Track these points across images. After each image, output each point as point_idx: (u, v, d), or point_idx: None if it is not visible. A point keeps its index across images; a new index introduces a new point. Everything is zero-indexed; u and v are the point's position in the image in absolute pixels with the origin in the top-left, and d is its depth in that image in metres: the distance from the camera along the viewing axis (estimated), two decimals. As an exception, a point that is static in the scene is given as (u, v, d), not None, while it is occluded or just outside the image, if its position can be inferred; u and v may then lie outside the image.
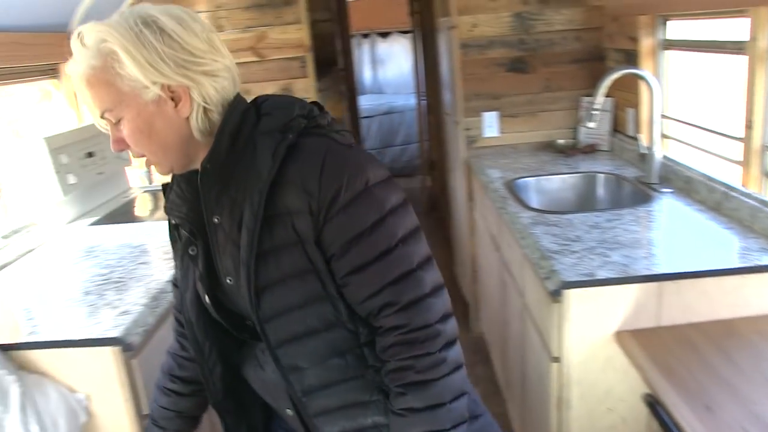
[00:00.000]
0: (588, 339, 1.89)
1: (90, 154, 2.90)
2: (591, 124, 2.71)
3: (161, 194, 3.10)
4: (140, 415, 1.82)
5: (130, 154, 1.22)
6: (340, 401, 1.27)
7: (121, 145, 1.19)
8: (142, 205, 3.17)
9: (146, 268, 2.22)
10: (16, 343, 1.77)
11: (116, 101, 1.13)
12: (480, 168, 3.30)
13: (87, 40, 1.12)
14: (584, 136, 3.48)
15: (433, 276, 1.20)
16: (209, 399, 1.43)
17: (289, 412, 1.34)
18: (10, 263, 2.39)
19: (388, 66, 9.23)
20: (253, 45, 3.55)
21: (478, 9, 3.50)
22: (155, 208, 3.16)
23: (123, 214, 2.94)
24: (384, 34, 9.15)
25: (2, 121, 2.84)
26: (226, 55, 1.22)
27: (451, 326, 1.21)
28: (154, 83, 1.12)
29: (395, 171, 7.63)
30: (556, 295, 1.87)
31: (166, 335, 1.96)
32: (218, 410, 1.43)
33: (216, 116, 1.19)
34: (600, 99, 2.67)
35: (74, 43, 1.14)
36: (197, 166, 1.23)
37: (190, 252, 1.29)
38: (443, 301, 1.20)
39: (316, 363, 1.24)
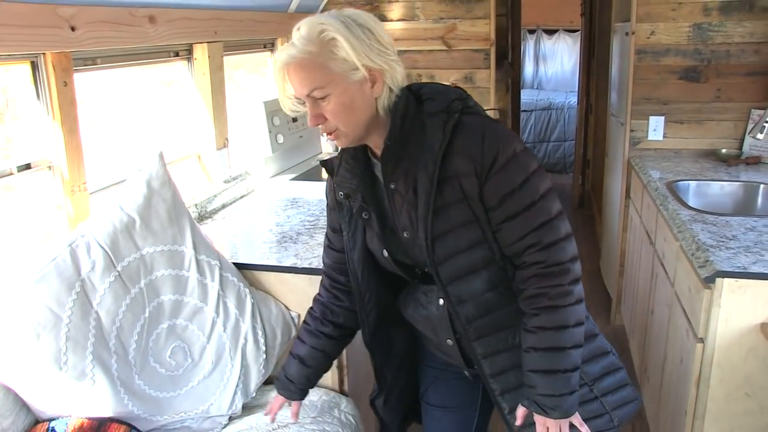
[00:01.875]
0: (734, 326, 2.08)
1: (294, 120, 3.35)
2: (760, 136, 2.84)
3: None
4: (337, 337, 2.20)
5: (320, 128, 1.47)
6: (494, 327, 1.57)
7: (320, 119, 1.44)
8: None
9: (344, 220, 2.62)
10: (251, 264, 2.21)
11: (327, 80, 1.39)
12: (642, 168, 3.47)
13: (306, 31, 1.39)
14: (749, 148, 3.57)
15: (566, 225, 1.50)
16: (364, 338, 1.73)
17: (449, 342, 1.63)
18: (229, 204, 2.87)
19: (549, 63, 9.35)
20: (443, 35, 3.89)
21: (659, 17, 3.66)
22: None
23: (316, 174, 3.37)
24: (550, 32, 9.27)
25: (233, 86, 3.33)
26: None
27: (578, 267, 1.50)
28: (363, 66, 1.40)
29: (548, 167, 7.79)
30: (709, 282, 2.08)
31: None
32: (369, 348, 1.75)
33: (395, 98, 1.47)
34: (772, 112, 2.79)
35: (295, 33, 1.41)
36: (367, 141, 1.51)
37: (363, 216, 1.58)
38: (573, 246, 1.50)
39: (476, 296, 1.53)
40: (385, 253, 1.59)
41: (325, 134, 1.48)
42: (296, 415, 1.91)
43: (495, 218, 1.48)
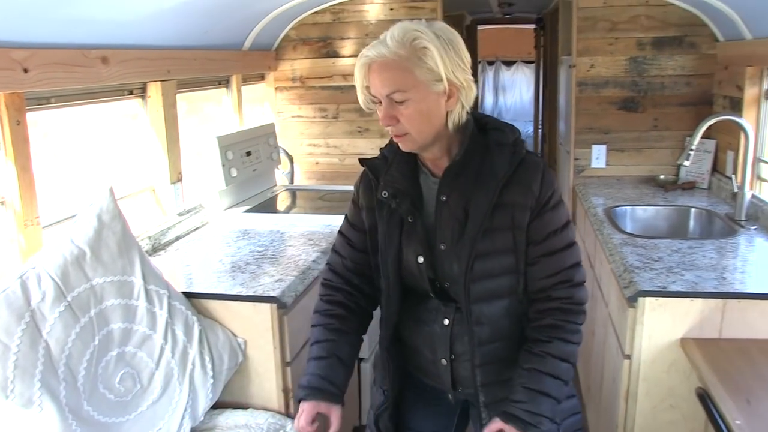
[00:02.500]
0: (656, 342, 2.22)
1: (248, 153, 3.47)
2: (687, 162, 3.01)
3: (300, 192, 3.66)
4: (284, 362, 2.30)
5: (390, 129, 1.54)
6: (497, 356, 1.65)
7: (392, 121, 1.51)
8: (285, 201, 3.71)
9: (294, 249, 2.73)
10: (199, 293, 2.31)
11: (410, 85, 1.47)
12: (585, 195, 3.64)
13: (400, 34, 1.47)
14: (685, 174, 3.75)
15: (584, 272, 1.67)
16: (383, 342, 1.73)
17: (444, 361, 1.69)
18: (183, 235, 2.96)
19: (509, 93, 9.61)
20: (391, 70, 4.03)
21: (598, 51, 3.86)
22: (293, 204, 3.69)
23: (270, 206, 3.49)
24: (509, 63, 9.53)
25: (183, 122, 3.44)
26: None
27: (586, 313, 1.67)
28: (446, 79, 1.49)
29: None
30: (632, 301, 2.22)
31: (309, 302, 2.45)
32: (390, 353, 1.74)
33: (465, 117, 1.58)
34: (696, 141, 2.96)
35: (387, 34, 1.48)
36: (426, 150, 1.59)
37: (409, 219, 1.62)
38: (588, 292, 1.68)
39: (494, 321, 1.63)
40: (421, 259, 1.63)
41: (392, 135, 1.56)
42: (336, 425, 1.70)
43: (535, 252, 1.61)
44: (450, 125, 1.57)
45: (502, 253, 1.59)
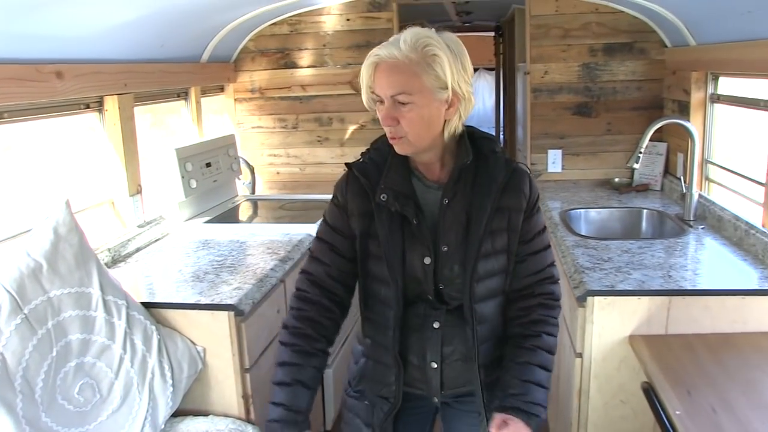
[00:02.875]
0: (606, 340, 2.29)
1: (208, 164, 3.49)
2: (636, 165, 3.10)
3: (261, 202, 3.69)
4: (243, 369, 2.33)
5: (387, 129, 1.57)
6: (494, 352, 1.73)
7: (392, 122, 1.54)
8: (246, 211, 3.73)
9: (253, 258, 2.76)
10: (157, 302, 2.33)
11: (416, 89, 1.50)
12: (542, 199, 3.69)
13: (413, 39, 1.49)
14: (639, 176, 3.86)
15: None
16: (391, 344, 1.68)
17: (434, 365, 1.70)
18: (143, 247, 2.97)
19: (472, 100, 9.71)
20: (351, 80, 4.10)
21: (551, 58, 3.95)
22: (254, 213, 3.72)
23: (230, 216, 3.50)
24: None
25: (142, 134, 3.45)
26: None
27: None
28: (451, 88, 1.53)
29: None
30: (581, 301, 2.29)
31: (267, 309, 2.49)
32: (400, 356, 1.70)
33: (461, 127, 1.63)
34: (644, 144, 3.06)
35: (402, 38, 1.51)
36: (420, 155, 1.63)
37: (414, 222, 1.62)
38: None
39: (491, 319, 1.71)
40: (428, 260, 1.64)
41: (388, 136, 1.59)
42: None
43: (524, 251, 1.71)
44: (446, 134, 1.61)
45: (500, 254, 1.67)
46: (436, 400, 1.79)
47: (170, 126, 3.77)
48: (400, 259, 1.64)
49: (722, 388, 1.88)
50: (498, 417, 1.61)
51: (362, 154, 1.73)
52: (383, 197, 1.63)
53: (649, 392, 1.96)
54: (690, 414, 1.76)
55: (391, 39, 1.54)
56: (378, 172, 1.66)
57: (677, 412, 1.77)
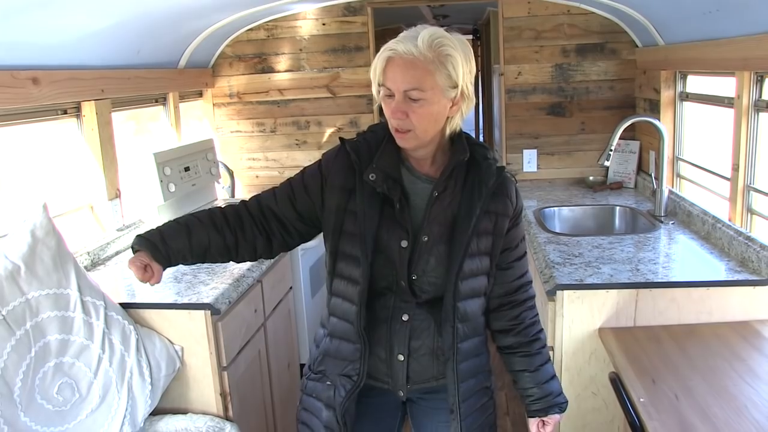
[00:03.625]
0: (576, 333, 2.34)
1: (187, 169, 3.52)
2: (606, 163, 3.17)
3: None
4: (220, 367, 2.37)
5: (395, 122, 1.60)
6: (474, 350, 1.80)
7: (402, 116, 1.57)
8: (226, 214, 3.76)
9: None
10: (135, 303, 2.36)
11: (428, 86, 1.55)
12: (518, 198, 3.77)
13: (429, 37, 1.54)
14: (613, 174, 3.93)
15: None
16: (358, 323, 1.68)
17: (401, 357, 1.74)
18: (123, 250, 3.00)
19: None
20: (327, 83, 4.16)
21: (524, 60, 4.02)
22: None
23: (211, 219, 3.53)
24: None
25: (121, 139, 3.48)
26: None
27: None
28: (460, 87, 1.59)
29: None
30: (551, 295, 2.35)
31: (244, 309, 2.53)
32: (365, 334, 1.70)
33: (460, 126, 1.70)
34: (614, 142, 3.13)
35: (420, 36, 1.54)
36: (418, 150, 1.67)
37: (397, 205, 1.65)
38: None
39: (473, 318, 1.76)
40: (404, 244, 1.67)
41: (395, 129, 1.61)
42: (155, 279, 1.74)
43: (510, 257, 1.80)
44: (447, 131, 1.67)
45: (484, 255, 1.72)
46: (401, 394, 1.80)
47: (153, 132, 3.80)
48: (372, 235, 1.66)
49: (685, 376, 1.94)
50: (534, 422, 1.87)
51: (358, 134, 1.77)
52: (372, 176, 1.66)
53: (616, 382, 2.01)
54: (653, 401, 1.82)
55: (405, 35, 1.57)
56: (369, 152, 1.70)
57: (641, 400, 1.83)
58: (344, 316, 1.74)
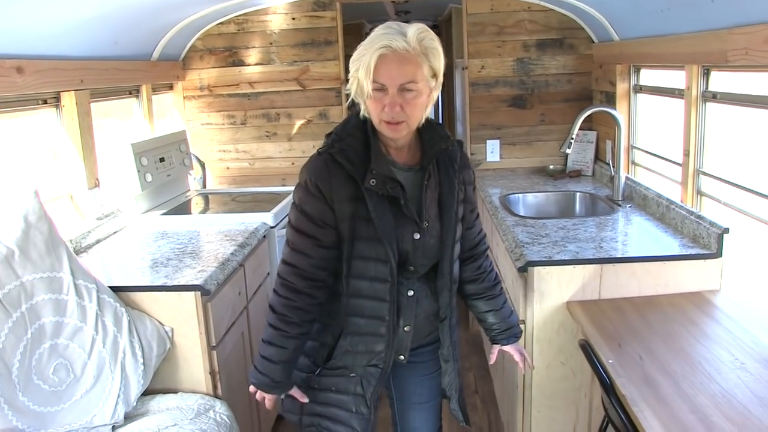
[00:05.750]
0: (546, 306, 2.51)
1: (162, 159, 3.59)
2: (568, 151, 3.35)
3: (213, 196, 3.81)
4: (210, 346, 2.46)
5: (390, 115, 1.69)
6: (455, 314, 1.98)
7: (397, 108, 1.68)
8: (199, 204, 3.84)
9: (212, 245, 2.89)
10: (125, 286, 2.44)
11: (420, 79, 1.68)
12: (482, 186, 3.94)
13: (415, 33, 1.66)
14: (572, 163, 4.13)
15: None
16: (391, 318, 1.83)
17: (407, 328, 1.89)
18: (103, 239, 3.07)
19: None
20: (297, 76, 4.26)
21: (487, 54, 4.19)
22: (207, 206, 3.83)
23: (185, 209, 3.61)
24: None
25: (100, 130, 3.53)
26: None
27: None
28: (437, 78, 1.74)
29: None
30: (522, 271, 2.51)
31: (230, 291, 2.63)
32: (391, 333, 1.85)
33: (426, 114, 1.82)
34: (575, 130, 3.31)
35: (409, 31, 1.66)
36: (402, 140, 1.79)
37: (401, 201, 1.77)
38: None
39: (457, 279, 1.97)
40: (417, 236, 1.81)
41: (387, 121, 1.70)
42: (304, 396, 1.92)
43: (472, 216, 2.02)
44: (424, 118, 1.81)
45: (459, 221, 1.91)
46: (402, 358, 1.95)
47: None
48: (394, 237, 1.76)
49: (647, 340, 2.13)
50: (496, 348, 2.16)
51: (334, 142, 1.78)
52: (372, 182, 1.73)
53: (586, 347, 2.17)
54: (621, 362, 1.99)
55: (389, 32, 1.66)
56: (360, 158, 1.75)
57: (610, 361, 2.00)
58: (373, 314, 1.83)
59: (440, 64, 1.73)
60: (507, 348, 2.15)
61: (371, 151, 1.77)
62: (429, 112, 1.83)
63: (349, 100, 1.83)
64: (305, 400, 1.91)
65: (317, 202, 1.76)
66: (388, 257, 1.75)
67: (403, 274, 1.83)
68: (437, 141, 1.84)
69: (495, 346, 2.17)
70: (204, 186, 4.24)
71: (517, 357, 2.16)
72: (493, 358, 2.19)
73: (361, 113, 1.79)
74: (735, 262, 2.57)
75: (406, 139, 1.81)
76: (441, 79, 1.78)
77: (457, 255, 1.94)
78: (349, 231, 1.76)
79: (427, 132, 1.85)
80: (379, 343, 1.86)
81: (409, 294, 1.86)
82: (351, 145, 1.77)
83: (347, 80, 1.78)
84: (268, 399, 1.92)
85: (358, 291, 1.82)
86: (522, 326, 2.52)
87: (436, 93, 1.79)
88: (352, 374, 1.91)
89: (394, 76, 1.66)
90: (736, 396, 1.77)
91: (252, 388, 1.91)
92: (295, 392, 1.91)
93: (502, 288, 2.14)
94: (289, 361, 1.85)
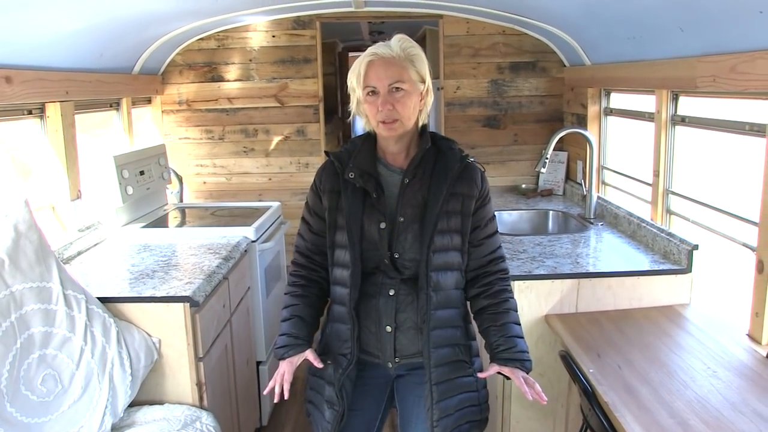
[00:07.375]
0: (526, 319, 2.59)
1: (142, 173, 3.60)
2: (543, 170, 3.46)
3: (190, 210, 3.83)
4: (197, 358, 2.49)
5: (384, 114, 1.85)
6: (447, 321, 1.99)
7: (389, 106, 1.85)
8: (177, 217, 3.86)
9: (196, 258, 2.91)
10: (113, 297, 2.46)
11: (406, 79, 1.85)
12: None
13: (398, 42, 1.86)
14: (543, 182, 4.25)
15: None
16: (350, 304, 1.95)
17: (389, 328, 1.98)
18: (84, 250, 3.07)
19: (380, 118, 9.98)
20: (276, 93, 4.33)
21: (463, 75, 4.31)
22: (184, 220, 3.85)
23: (164, 222, 3.63)
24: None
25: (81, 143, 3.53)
26: None
27: None
28: (425, 82, 1.90)
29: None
30: (503, 286, 2.58)
31: (215, 303, 2.66)
32: (354, 313, 1.96)
33: (426, 119, 1.97)
34: (550, 150, 3.42)
35: (392, 41, 1.87)
36: (397, 142, 1.93)
37: (374, 195, 1.93)
38: None
39: (447, 289, 1.97)
40: (383, 225, 1.93)
41: (382, 120, 1.85)
42: (317, 360, 1.99)
43: (480, 234, 2.02)
44: (419, 122, 1.96)
45: (454, 233, 1.95)
46: (390, 366, 2.02)
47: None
48: (358, 225, 1.94)
49: (624, 350, 2.23)
50: (495, 366, 1.96)
51: (342, 147, 2.06)
52: (351, 175, 1.95)
53: (566, 358, 2.26)
54: (601, 371, 2.08)
55: (376, 45, 1.88)
56: (349, 157, 1.99)
57: (591, 371, 2.09)
58: (340, 300, 2.00)
59: (425, 68, 1.91)
60: (505, 370, 1.95)
61: (357, 150, 2.00)
62: (424, 118, 1.96)
63: (351, 116, 2.03)
64: (319, 364, 1.98)
65: (313, 194, 2.06)
66: (353, 242, 1.93)
67: (386, 273, 1.95)
68: (423, 143, 1.96)
69: (492, 364, 2.00)
70: (181, 200, 4.26)
71: (517, 382, 1.94)
72: (484, 374, 2.01)
73: (364, 126, 2.00)
74: (703, 277, 2.69)
75: (403, 142, 1.95)
76: (429, 84, 1.93)
77: (450, 266, 1.97)
78: (330, 220, 1.99)
79: (422, 136, 1.98)
80: (345, 331, 1.99)
81: (390, 293, 1.96)
82: (347, 149, 2.02)
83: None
84: (287, 373, 1.96)
85: (335, 278, 2.03)
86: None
87: (430, 99, 1.95)
88: (328, 360, 2.03)
89: (382, 77, 1.85)
90: (710, 401, 1.88)
91: (280, 367, 1.99)
92: (309, 354, 1.99)
93: (510, 309, 2.04)
94: (302, 316, 2.03)
